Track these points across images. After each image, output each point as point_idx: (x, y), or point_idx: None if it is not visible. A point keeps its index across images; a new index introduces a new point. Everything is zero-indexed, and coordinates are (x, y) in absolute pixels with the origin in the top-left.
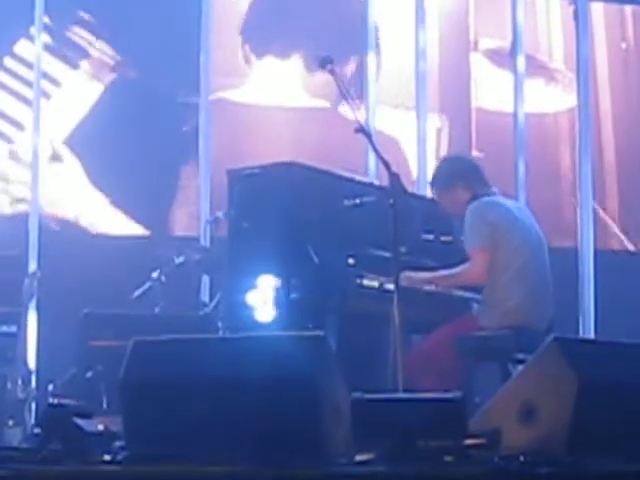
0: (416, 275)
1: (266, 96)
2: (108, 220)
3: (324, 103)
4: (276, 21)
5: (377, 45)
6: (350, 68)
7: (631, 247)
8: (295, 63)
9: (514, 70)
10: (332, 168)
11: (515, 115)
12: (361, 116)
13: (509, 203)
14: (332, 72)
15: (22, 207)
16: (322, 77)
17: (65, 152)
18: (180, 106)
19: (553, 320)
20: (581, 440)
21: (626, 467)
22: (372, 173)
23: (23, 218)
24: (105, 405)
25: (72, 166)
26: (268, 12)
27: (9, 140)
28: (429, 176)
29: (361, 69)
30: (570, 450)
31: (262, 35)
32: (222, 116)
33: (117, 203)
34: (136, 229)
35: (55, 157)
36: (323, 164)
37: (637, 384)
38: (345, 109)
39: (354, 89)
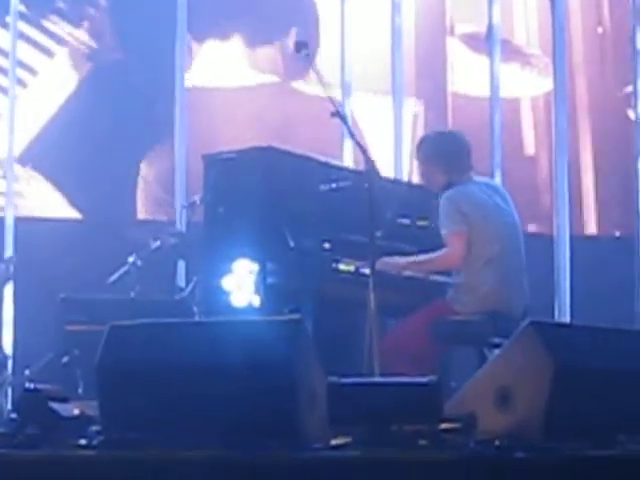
0: (393, 260)
1: (214, 78)
2: (81, 205)
3: (273, 78)
4: (211, 5)
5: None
6: (291, 42)
7: (607, 232)
8: (236, 43)
9: (490, 55)
10: (307, 151)
11: (491, 100)
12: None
13: (485, 186)
14: (307, 56)
15: None
16: (265, 52)
17: (40, 141)
18: (154, 94)
19: (529, 305)
20: (557, 425)
21: (602, 452)
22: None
23: None
24: (81, 390)
25: (46, 155)
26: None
27: None
28: (405, 161)
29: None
30: (546, 435)
31: (200, 21)
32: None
33: (90, 189)
34: (109, 214)
35: None
36: (283, 140)
37: (613, 369)
38: (297, 84)
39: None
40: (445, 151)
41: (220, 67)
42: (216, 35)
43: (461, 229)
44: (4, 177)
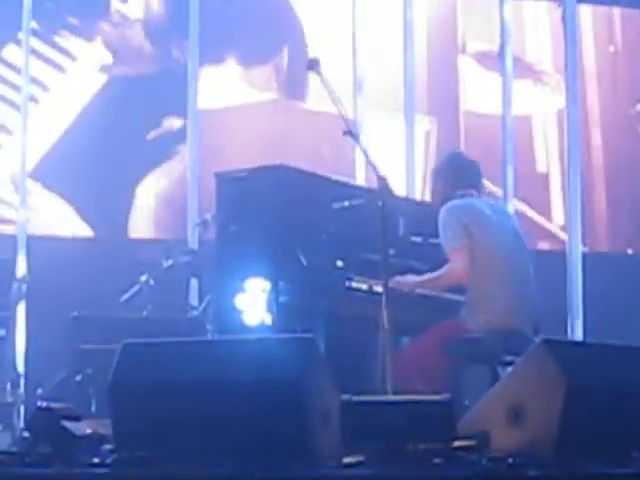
0: (404, 280)
1: (213, 100)
2: (93, 223)
3: (271, 95)
4: (204, 30)
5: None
6: (284, 58)
7: (619, 249)
8: (231, 64)
9: (502, 72)
10: (319, 170)
11: (503, 117)
12: (348, 118)
13: (485, 204)
14: (319, 73)
15: (10, 211)
16: (260, 71)
17: (54, 157)
18: (166, 111)
19: (540, 322)
20: (570, 442)
21: (615, 470)
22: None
23: (11, 222)
24: (94, 408)
25: (58, 171)
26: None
27: None
28: (417, 179)
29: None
30: (559, 452)
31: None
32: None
33: (102, 206)
34: (121, 232)
35: None
36: (283, 157)
37: (626, 386)
38: (292, 100)
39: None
40: (444, 168)
41: (218, 89)
42: (212, 59)
43: (461, 243)
44: (16, 192)
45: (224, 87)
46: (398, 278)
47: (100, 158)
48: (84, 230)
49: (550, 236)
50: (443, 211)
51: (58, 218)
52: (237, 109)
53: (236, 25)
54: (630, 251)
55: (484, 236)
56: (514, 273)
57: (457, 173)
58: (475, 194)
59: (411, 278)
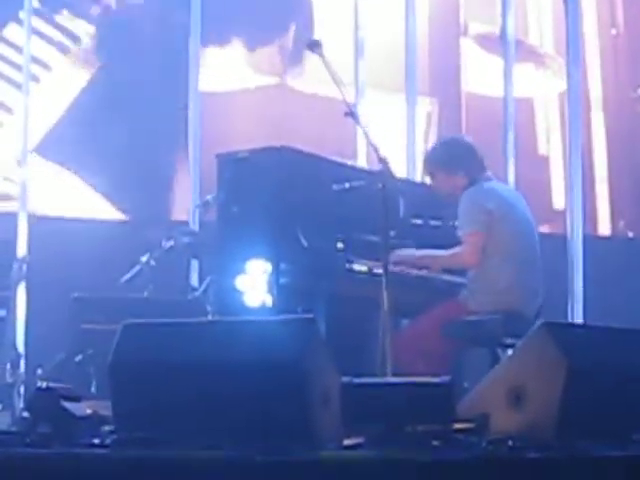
0: (405, 253)
1: (216, 83)
2: (97, 204)
3: (273, 79)
4: (210, 11)
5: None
6: (290, 39)
7: (620, 233)
8: (237, 46)
9: (504, 55)
10: (321, 152)
11: (505, 100)
12: (349, 99)
13: (504, 189)
14: (321, 55)
15: (11, 190)
16: (265, 53)
17: (52, 136)
18: (168, 92)
19: (542, 305)
20: (570, 425)
21: (616, 451)
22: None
23: (11, 203)
24: (94, 389)
25: (60, 152)
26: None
27: None
28: (418, 160)
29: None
30: (559, 435)
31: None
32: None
33: (106, 187)
34: (124, 214)
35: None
36: (285, 139)
37: (626, 368)
38: (297, 82)
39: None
40: (459, 154)
41: (222, 71)
42: (216, 41)
43: (479, 229)
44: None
45: (228, 70)
46: (398, 251)
47: (99, 138)
48: (85, 212)
49: (551, 219)
50: (466, 196)
51: (60, 195)
52: (240, 93)
53: (242, 4)
54: (631, 234)
55: (503, 221)
56: (523, 258)
57: (473, 159)
58: (492, 177)
59: (413, 251)
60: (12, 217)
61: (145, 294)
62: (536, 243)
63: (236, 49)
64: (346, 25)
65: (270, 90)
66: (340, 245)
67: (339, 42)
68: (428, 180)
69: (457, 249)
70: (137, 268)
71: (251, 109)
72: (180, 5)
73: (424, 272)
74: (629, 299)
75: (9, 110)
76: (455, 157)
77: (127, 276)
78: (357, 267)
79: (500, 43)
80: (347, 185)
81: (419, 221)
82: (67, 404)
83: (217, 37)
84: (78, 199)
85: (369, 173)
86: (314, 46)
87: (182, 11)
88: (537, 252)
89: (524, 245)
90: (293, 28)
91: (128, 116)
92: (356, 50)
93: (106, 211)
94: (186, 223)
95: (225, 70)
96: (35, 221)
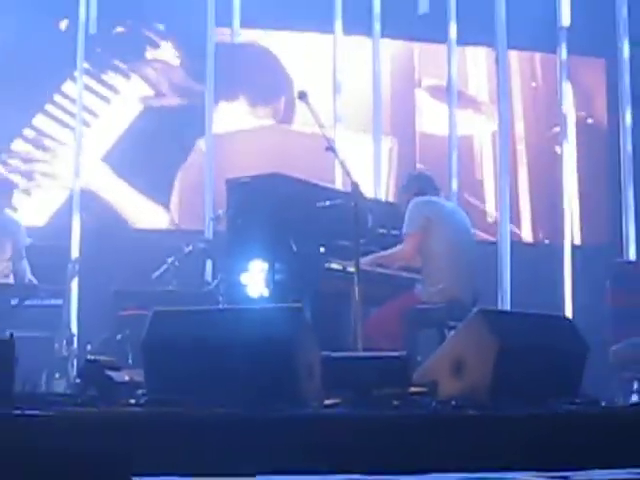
0: (365, 259)
1: (228, 126)
2: (134, 216)
3: (269, 122)
4: (220, 75)
5: (335, 83)
6: (282, 105)
7: (539, 240)
8: (241, 103)
9: (449, 102)
10: (306, 177)
11: (449, 137)
12: (329, 137)
13: (446, 203)
14: (307, 102)
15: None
16: (262, 108)
17: (107, 163)
18: (192, 128)
19: (478, 295)
20: (500, 389)
21: (535, 410)
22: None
23: (67, 215)
24: (130, 361)
25: (108, 177)
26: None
27: (53, 156)
28: (382, 184)
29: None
30: (491, 397)
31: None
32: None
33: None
34: (153, 223)
35: None
36: (291, 169)
37: (543, 345)
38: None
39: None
40: (417, 183)
41: (231, 118)
42: (227, 97)
43: (416, 232)
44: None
45: (236, 117)
46: (363, 259)
47: (136, 167)
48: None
49: (485, 229)
50: (412, 203)
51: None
52: (244, 133)
53: (244, 74)
54: (547, 241)
55: (440, 226)
56: (462, 259)
57: (427, 186)
58: (441, 196)
59: (369, 257)
60: (67, 227)
61: (170, 287)
62: (473, 247)
63: (242, 104)
64: (325, 80)
65: (267, 131)
66: (322, 249)
67: (321, 94)
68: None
69: (399, 247)
70: (164, 267)
71: (252, 145)
72: (199, 74)
73: (388, 271)
74: (545, 291)
75: (65, 147)
76: (411, 181)
77: (156, 273)
78: (335, 266)
79: (446, 94)
80: (327, 203)
81: (383, 230)
82: (110, 373)
83: (228, 95)
84: (121, 212)
85: (344, 194)
86: (302, 96)
87: (200, 78)
88: (474, 254)
89: (462, 248)
90: (283, 98)
91: (160, 148)
92: (334, 101)
93: (146, 219)
94: (202, 232)
95: (233, 117)
96: (85, 229)
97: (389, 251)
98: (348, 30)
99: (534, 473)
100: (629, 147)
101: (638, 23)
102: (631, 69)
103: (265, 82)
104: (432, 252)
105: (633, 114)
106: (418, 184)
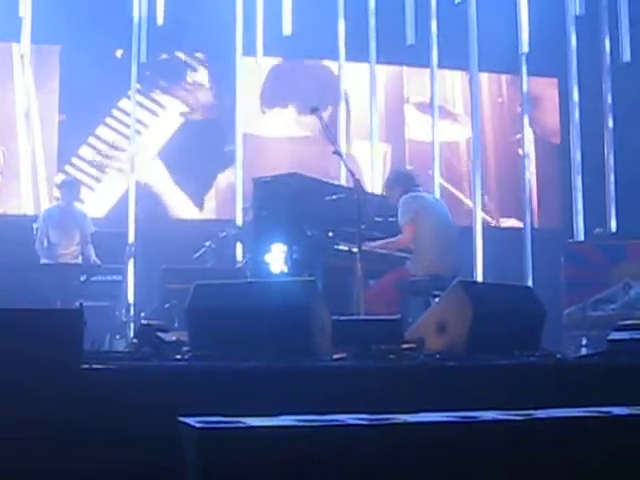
0: (373, 243)
1: (275, 131)
2: (179, 208)
3: (311, 133)
4: (279, 87)
5: (346, 100)
6: (327, 114)
7: (505, 225)
8: (291, 111)
9: (432, 115)
10: (319, 176)
11: (432, 143)
12: (337, 143)
13: (429, 196)
14: (319, 116)
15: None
16: (308, 119)
17: (155, 164)
18: (223, 136)
19: (458, 270)
20: (475, 346)
21: (503, 361)
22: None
23: (124, 207)
24: (176, 325)
25: (157, 175)
26: (273, 82)
27: (112, 159)
28: (378, 181)
29: (335, 115)
30: (468, 351)
31: (271, 96)
32: (248, 143)
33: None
34: (194, 214)
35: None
36: (312, 170)
37: (509, 309)
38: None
39: (331, 126)
40: (400, 177)
41: (280, 124)
42: (280, 105)
43: (410, 223)
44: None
45: (282, 124)
46: (369, 243)
47: (179, 168)
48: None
49: (463, 216)
50: (402, 200)
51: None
52: (279, 139)
53: (297, 82)
54: (511, 225)
55: (426, 216)
56: (442, 239)
57: (408, 180)
58: (421, 190)
59: (377, 242)
60: (124, 217)
61: (208, 265)
62: (452, 230)
63: (291, 111)
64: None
65: (300, 139)
66: (330, 234)
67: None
68: (385, 192)
69: (399, 236)
70: (203, 249)
71: (285, 149)
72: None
73: (383, 251)
74: (511, 266)
75: (122, 152)
76: (397, 179)
77: (197, 254)
78: (341, 247)
79: (429, 108)
80: (334, 197)
81: (380, 219)
82: (160, 334)
83: (279, 102)
84: (168, 205)
85: (348, 189)
86: (315, 110)
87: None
88: (454, 236)
89: (443, 232)
90: (330, 107)
91: (199, 152)
92: (339, 114)
93: (188, 210)
94: (234, 221)
95: (279, 124)
96: (139, 218)
97: (393, 239)
98: (350, 57)
99: (503, 412)
100: (578, 146)
101: (585, 48)
102: (579, 85)
103: (315, 89)
104: (420, 236)
105: (580, 121)
106: (404, 179)
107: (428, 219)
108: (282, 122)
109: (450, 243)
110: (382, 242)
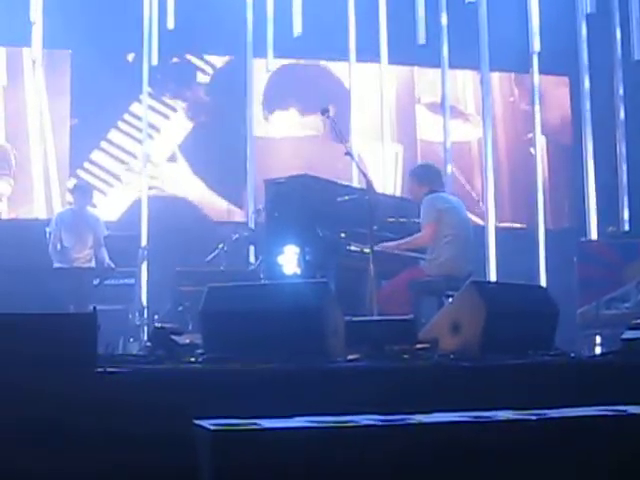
0: (388, 244)
1: (279, 132)
2: (191, 211)
3: (315, 132)
4: (279, 91)
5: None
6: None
7: (518, 225)
8: (292, 113)
9: (443, 115)
10: (329, 177)
11: (444, 143)
12: (348, 144)
13: (450, 197)
14: (328, 117)
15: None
16: (310, 119)
17: (167, 167)
18: (234, 139)
19: (472, 270)
20: (488, 345)
21: (517, 361)
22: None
23: (137, 210)
24: (190, 327)
25: (170, 177)
26: (274, 86)
27: (124, 162)
28: (390, 182)
29: (340, 115)
30: (481, 351)
31: (272, 99)
32: (258, 146)
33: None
34: (208, 217)
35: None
36: (317, 170)
37: (522, 309)
38: (328, 137)
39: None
40: (426, 174)
41: (282, 126)
42: (281, 108)
43: (432, 221)
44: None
45: (286, 125)
46: (384, 244)
47: (190, 170)
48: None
49: (477, 214)
50: (425, 200)
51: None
52: (287, 139)
53: (298, 84)
54: (525, 226)
55: (448, 216)
56: (461, 240)
57: (434, 178)
58: (445, 190)
59: (392, 243)
60: (137, 220)
61: (221, 268)
62: (469, 232)
63: (292, 113)
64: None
65: (307, 140)
66: (343, 235)
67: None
68: (409, 184)
69: (419, 234)
70: (216, 252)
71: (293, 150)
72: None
73: (396, 250)
74: (524, 266)
75: (134, 155)
76: (422, 175)
77: (209, 257)
78: (353, 248)
79: (440, 108)
80: (346, 197)
81: (392, 219)
82: (174, 337)
83: (280, 104)
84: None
85: (360, 190)
86: (325, 112)
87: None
88: (470, 238)
89: (461, 233)
90: (332, 108)
91: (209, 154)
92: (349, 115)
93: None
94: (246, 223)
95: (282, 125)
96: (151, 222)
97: (410, 238)
98: (360, 58)
99: (518, 412)
100: (590, 145)
101: (596, 46)
102: (590, 83)
103: (316, 89)
104: (439, 236)
105: (592, 119)
106: (433, 177)
107: (450, 220)
108: (286, 123)
109: (467, 246)
110: (399, 242)
